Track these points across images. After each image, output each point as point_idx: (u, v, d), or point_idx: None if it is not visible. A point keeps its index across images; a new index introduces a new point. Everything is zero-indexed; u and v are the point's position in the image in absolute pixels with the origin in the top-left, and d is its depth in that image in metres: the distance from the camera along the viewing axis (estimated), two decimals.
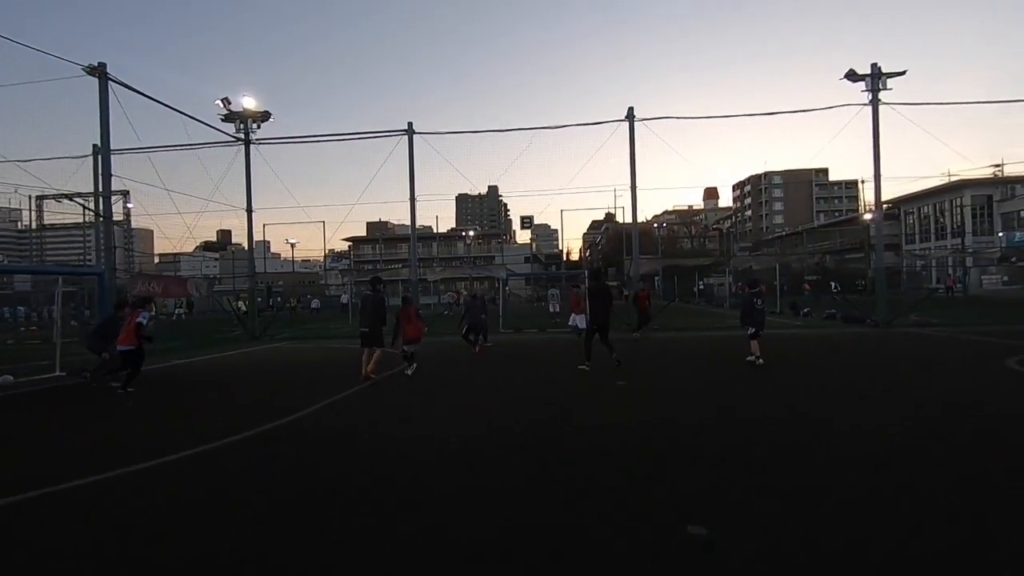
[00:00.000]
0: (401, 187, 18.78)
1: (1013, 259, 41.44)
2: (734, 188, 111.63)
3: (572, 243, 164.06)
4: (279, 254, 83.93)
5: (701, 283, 49.12)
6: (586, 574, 2.74)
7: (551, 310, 22.06)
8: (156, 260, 70.66)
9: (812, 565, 2.76)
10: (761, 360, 9.27)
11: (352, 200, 57.32)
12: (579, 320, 14.34)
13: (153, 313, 14.57)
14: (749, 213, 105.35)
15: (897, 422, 5.49)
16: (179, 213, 18.31)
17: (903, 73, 16.33)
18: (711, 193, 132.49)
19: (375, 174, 18.81)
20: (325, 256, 49.65)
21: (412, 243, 20.05)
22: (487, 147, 38.51)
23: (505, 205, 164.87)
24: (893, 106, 16.45)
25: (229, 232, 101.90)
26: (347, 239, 77.11)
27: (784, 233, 79.46)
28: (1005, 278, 40.46)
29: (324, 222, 29.84)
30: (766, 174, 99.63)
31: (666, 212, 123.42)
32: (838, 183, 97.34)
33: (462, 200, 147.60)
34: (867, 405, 6.35)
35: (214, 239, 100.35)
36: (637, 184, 17.58)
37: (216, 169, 22.19)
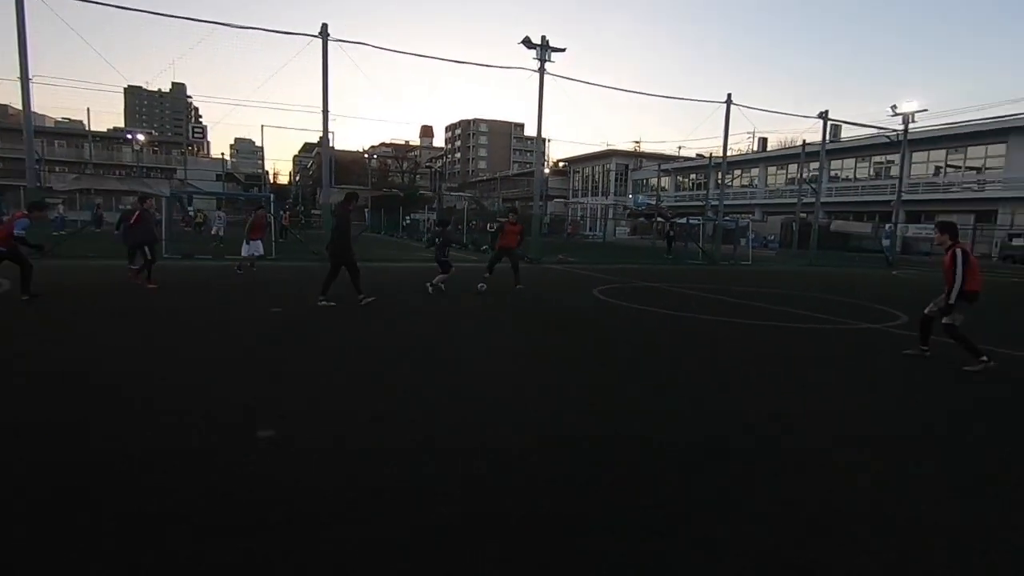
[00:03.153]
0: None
1: (640, 218, 54.75)
2: (447, 129, 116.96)
3: (281, 164, 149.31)
4: None
5: (407, 218, 50.67)
6: None
7: (213, 232, 20.14)
8: None
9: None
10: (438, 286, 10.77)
11: None
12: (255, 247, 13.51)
13: None
14: (459, 155, 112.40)
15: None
16: None
17: (564, 50, 19.36)
18: (427, 131, 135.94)
19: None
20: None
21: (27, 135, 15.21)
22: (158, 30, 31.35)
23: (196, 111, 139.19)
24: (556, 76, 19.47)
25: None
26: None
27: (486, 178, 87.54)
28: (628, 230, 52.96)
29: None
30: (475, 121, 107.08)
31: (383, 144, 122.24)
32: (531, 138, 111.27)
33: (134, 94, 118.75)
34: (484, 311, 7.80)
35: None
36: (336, 110, 16.92)
37: None
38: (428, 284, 10.32)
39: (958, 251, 5.95)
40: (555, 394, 4.62)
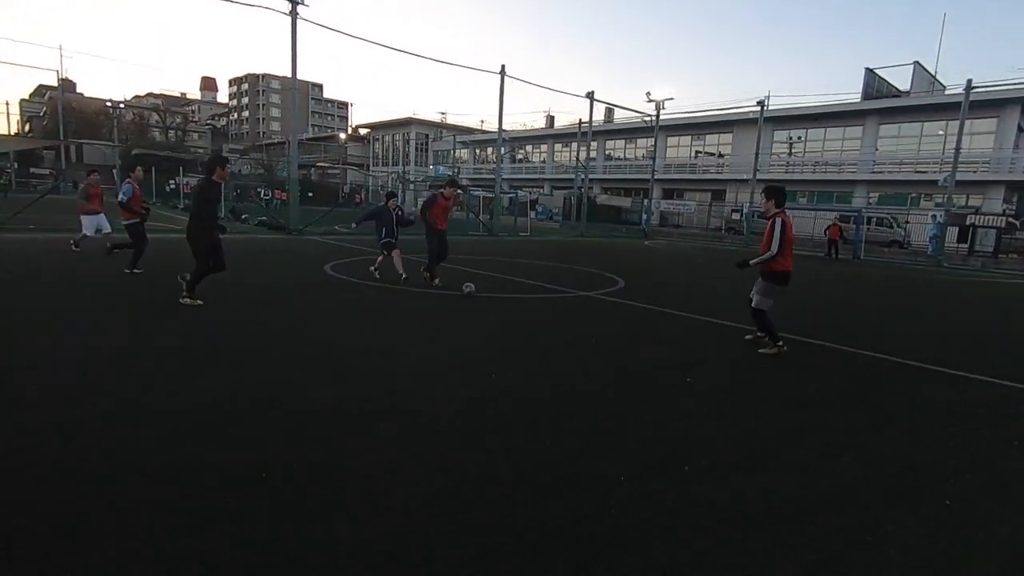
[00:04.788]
0: None
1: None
2: (231, 83, 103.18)
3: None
4: None
5: (172, 182, 43.51)
6: None
7: None
8: None
9: None
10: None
11: None
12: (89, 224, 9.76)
13: None
14: (247, 114, 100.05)
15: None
16: None
17: None
18: (209, 84, 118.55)
19: None
20: None
21: None
22: None
23: None
24: (312, 23, 17.50)
25: None
26: None
27: (278, 140, 79.27)
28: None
29: None
30: (264, 76, 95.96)
31: (151, 95, 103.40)
32: (332, 101, 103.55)
33: None
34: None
35: None
36: (81, 46, 12.75)
37: None
38: (400, 274, 8.55)
39: (778, 220, 5.34)
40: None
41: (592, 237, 26.55)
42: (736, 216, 29.86)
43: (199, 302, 6.23)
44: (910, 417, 4.16)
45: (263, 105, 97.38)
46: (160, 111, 69.12)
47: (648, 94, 29.20)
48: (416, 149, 59.67)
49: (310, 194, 47.68)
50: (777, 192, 5.54)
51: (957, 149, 22.01)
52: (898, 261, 22.25)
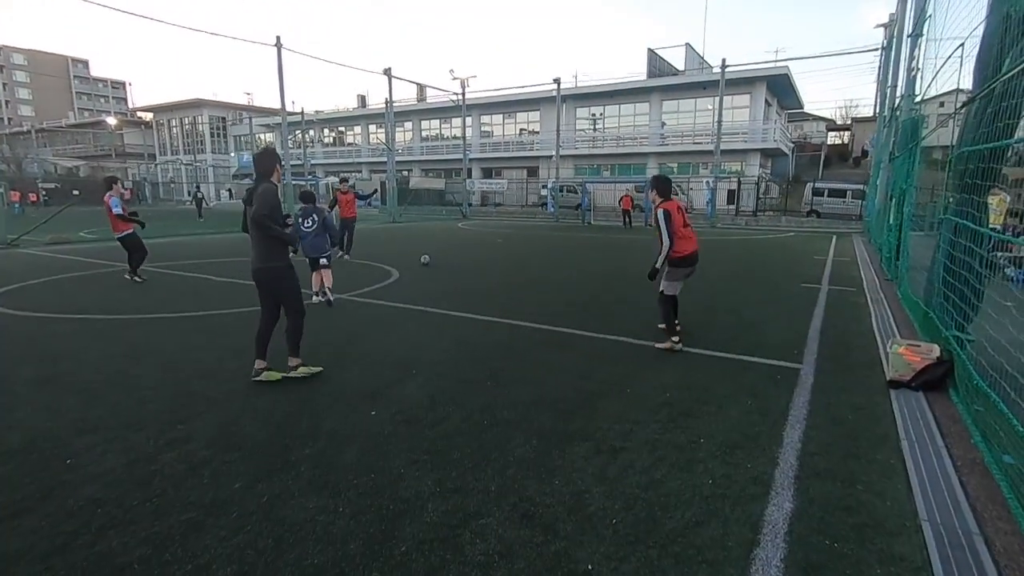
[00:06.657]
0: None
1: (246, 179, 48.58)
2: None
3: None
4: None
5: None
6: None
7: None
8: None
9: None
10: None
11: None
12: None
13: None
14: None
15: None
16: None
17: None
18: None
19: None
20: None
21: None
22: None
23: None
24: None
25: None
26: None
27: (27, 128, 64.79)
28: (232, 192, 46.80)
29: None
30: (3, 48, 77.64)
31: None
32: (103, 80, 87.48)
33: None
34: None
35: None
36: None
37: None
38: (315, 295, 7.29)
39: (659, 211, 5.24)
40: None
41: (405, 222, 25.48)
42: (544, 192, 30.83)
43: (319, 368, 4.76)
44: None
45: (5, 85, 78.89)
46: None
47: (452, 71, 28.57)
48: (212, 135, 52.74)
49: (75, 192, 39.75)
50: (660, 182, 5.43)
51: (719, 122, 24.76)
52: None
